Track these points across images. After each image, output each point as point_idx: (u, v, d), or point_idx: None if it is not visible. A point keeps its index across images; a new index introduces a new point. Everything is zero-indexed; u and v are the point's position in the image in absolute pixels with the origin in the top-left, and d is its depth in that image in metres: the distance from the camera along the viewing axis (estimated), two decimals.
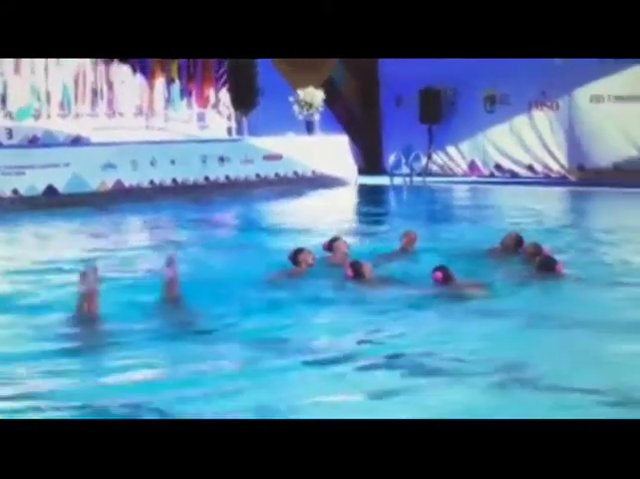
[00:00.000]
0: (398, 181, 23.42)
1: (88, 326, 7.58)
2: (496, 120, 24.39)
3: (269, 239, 13.60)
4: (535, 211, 17.01)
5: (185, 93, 23.75)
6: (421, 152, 24.53)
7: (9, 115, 20.47)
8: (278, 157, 22.49)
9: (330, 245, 10.03)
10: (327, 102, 23.73)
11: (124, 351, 6.67)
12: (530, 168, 23.94)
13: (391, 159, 24.32)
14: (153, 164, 20.23)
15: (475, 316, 7.62)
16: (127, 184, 19.75)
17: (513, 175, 24.10)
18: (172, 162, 20.54)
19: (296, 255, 9.44)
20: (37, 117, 20.86)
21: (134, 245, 13.25)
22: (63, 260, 11.33)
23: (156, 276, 9.36)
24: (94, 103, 21.91)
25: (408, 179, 23.55)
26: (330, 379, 5.99)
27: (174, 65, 23.29)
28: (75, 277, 7.94)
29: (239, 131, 23.70)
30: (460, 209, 19.12)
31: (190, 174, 20.85)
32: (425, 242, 11.03)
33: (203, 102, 24.08)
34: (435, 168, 25.60)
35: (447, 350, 6.57)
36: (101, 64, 21.90)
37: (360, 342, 7.03)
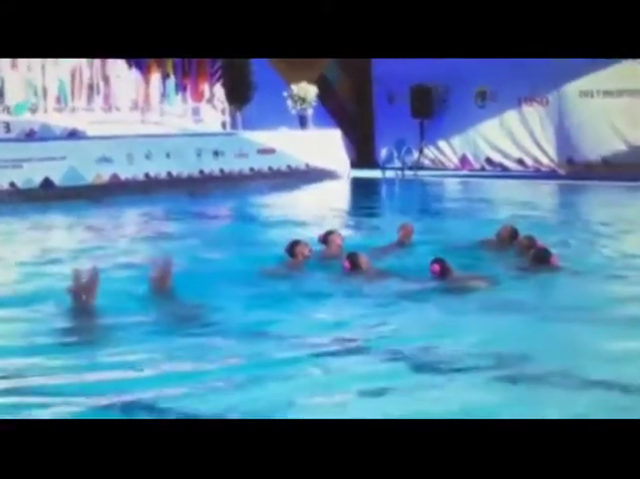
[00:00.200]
0: (390, 174, 23.41)
1: (84, 320, 7.50)
2: (487, 115, 24.41)
3: (263, 231, 13.54)
4: (526, 203, 16.98)
5: (180, 88, 23.72)
6: (413, 146, 24.55)
7: (7, 109, 20.41)
8: (272, 151, 22.48)
9: (325, 238, 9.96)
10: (320, 97, 23.72)
11: (119, 345, 6.54)
12: (521, 161, 23.96)
13: (383, 153, 24.34)
14: (148, 157, 20.19)
15: (473, 309, 7.51)
16: (122, 177, 19.71)
17: (504, 168, 24.12)
18: (168, 155, 20.51)
19: (293, 248, 9.34)
20: (34, 111, 20.84)
21: (129, 238, 13.19)
22: (59, 252, 11.28)
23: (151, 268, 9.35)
24: (90, 97, 21.89)
25: (400, 172, 23.54)
26: (328, 373, 5.87)
27: (170, 60, 23.25)
28: (70, 269, 7.88)
29: (234, 125, 23.68)
30: (451, 202, 19.05)
31: (185, 167, 20.80)
32: (418, 235, 10.95)
33: (198, 96, 24.06)
34: (426, 162, 25.63)
35: (445, 344, 6.45)
36: (97, 60, 21.84)
37: (357, 336, 6.86)
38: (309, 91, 23.09)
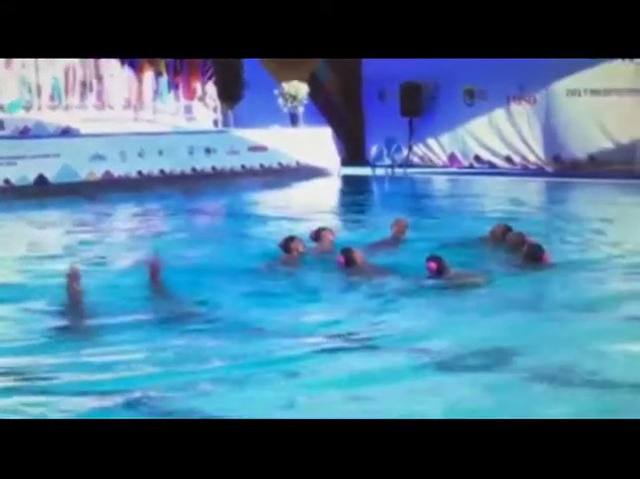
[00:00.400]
0: (380, 171, 23.39)
1: (77, 316, 7.45)
2: (476, 113, 24.39)
3: (255, 227, 13.52)
4: (513, 200, 17.00)
5: (173, 86, 23.72)
6: (402, 144, 24.55)
7: (1, 108, 20.34)
8: (263, 148, 22.44)
9: (317, 235, 9.91)
10: (311, 95, 23.69)
11: (111, 342, 6.46)
12: (509, 159, 23.96)
13: (373, 150, 24.33)
14: (141, 155, 20.14)
15: (469, 306, 7.47)
16: (115, 174, 19.65)
17: (492, 166, 24.10)
18: (160, 153, 20.46)
19: (287, 243, 9.29)
20: (28, 109, 20.82)
21: (122, 234, 13.17)
22: (53, 248, 11.25)
23: (143, 265, 9.30)
24: (83, 95, 21.89)
25: (389, 170, 23.52)
26: (323, 370, 5.82)
27: (162, 59, 23.21)
28: (64, 265, 7.84)
29: (225, 123, 23.66)
30: (440, 198, 19.10)
31: (178, 164, 20.76)
32: (410, 232, 10.91)
33: (190, 95, 24.05)
34: (415, 159, 25.61)
35: (441, 340, 6.41)
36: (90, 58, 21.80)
37: (352, 332, 6.80)
38: (300, 89, 23.06)
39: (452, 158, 25.18)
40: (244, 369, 5.78)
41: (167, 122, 23.10)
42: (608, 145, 21.91)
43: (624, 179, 19.83)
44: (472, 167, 24.53)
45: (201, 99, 24.18)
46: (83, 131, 20.66)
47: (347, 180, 22.66)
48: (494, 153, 24.21)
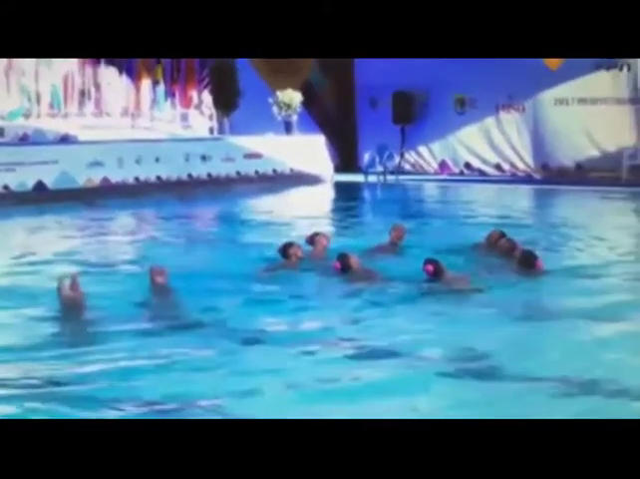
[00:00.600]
0: (372, 178, 23.40)
1: (75, 321, 7.46)
2: (466, 121, 24.43)
3: (250, 233, 13.56)
4: (503, 207, 17.05)
5: (170, 94, 23.74)
6: (394, 151, 24.56)
7: (1, 116, 20.36)
8: (258, 155, 22.45)
9: (312, 239, 9.93)
10: (305, 104, 23.70)
11: (109, 345, 6.49)
12: (498, 167, 24.01)
13: (365, 157, 24.37)
14: (138, 161, 20.13)
15: (465, 310, 7.49)
16: (113, 180, 19.64)
17: (482, 173, 24.14)
18: (157, 159, 20.45)
19: (286, 249, 9.31)
20: (27, 116, 20.82)
21: (119, 240, 13.18)
22: (51, 253, 11.25)
23: (139, 269, 9.32)
24: (82, 103, 21.89)
25: (382, 177, 23.55)
26: (319, 373, 5.82)
27: (159, 67, 23.26)
28: (61, 269, 7.85)
29: (221, 130, 23.67)
30: (431, 205, 19.13)
31: (174, 171, 20.76)
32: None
33: (187, 103, 24.08)
34: (407, 166, 25.63)
35: (437, 343, 6.44)
36: (88, 67, 21.85)
37: (349, 336, 6.80)
38: (294, 98, 23.08)
39: (442, 165, 25.22)
40: (242, 375, 5.80)
41: (164, 129, 23.11)
42: (595, 153, 21.98)
43: (611, 186, 19.91)
44: (462, 174, 24.57)
45: (197, 107, 24.21)
46: (81, 138, 20.63)
47: (340, 186, 22.68)
48: (484, 160, 24.26)
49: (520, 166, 23.62)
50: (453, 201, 19.52)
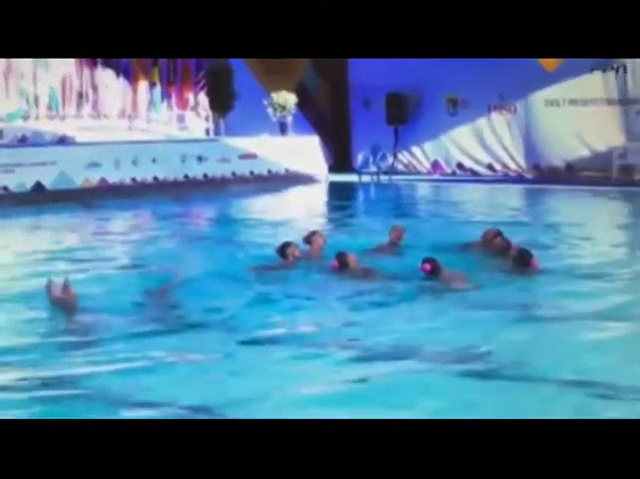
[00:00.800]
0: (366, 178, 23.43)
1: (72, 322, 7.43)
2: (458, 122, 24.45)
3: (245, 233, 13.56)
4: (496, 206, 17.06)
5: (166, 96, 23.71)
6: (387, 151, 24.54)
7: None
8: (253, 156, 22.46)
9: (308, 239, 9.94)
10: (299, 105, 23.72)
11: (106, 345, 6.44)
12: (490, 167, 24.04)
13: (359, 158, 24.38)
14: (135, 162, 20.13)
15: (461, 308, 7.47)
16: (110, 181, 19.65)
17: (474, 173, 24.16)
18: (154, 161, 20.46)
19: (284, 249, 9.31)
20: (26, 118, 20.79)
21: (117, 240, 13.17)
22: (50, 253, 11.24)
23: (137, 269, 9.32)
24: (79, 105, 21.86)
25: (375, 177, 23.57)
26: (317, 372, 5.83)
27: (156, 69, 23.25)
28: (61, 267, 7.83)
29: (217, 132, 23.64)
30: (425, 205, 19.12)
31: (171, 172, 20.77)
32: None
33: (183, 104, 24.05)
34: (400, 166, 25.65)
35: (435, 342, 6.42)
36: (86, 69, 21.83)
37: (346, 335, 6.81)
38: (288, 99, 23.10)
39: (435, 165, 25.24)
40: (241, 374, 5.78)
41: (161, 131, 23.09)
42: (585, 153, 22.01)
43: (601, 185, 19.94)
44: (454, 174, 24.60)
45: (194, 109, 24.18)
46: (79, 139, 20.62)
47: (334, 186, 22.70)
48: (476, 160, 24.28)
49: (512, 166, 23.65)
50: (445, 200, 19.53)
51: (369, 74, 24.45)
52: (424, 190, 22.22)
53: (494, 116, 23.82)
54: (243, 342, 6.54)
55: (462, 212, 16.39)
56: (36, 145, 19.67)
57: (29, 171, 18.24)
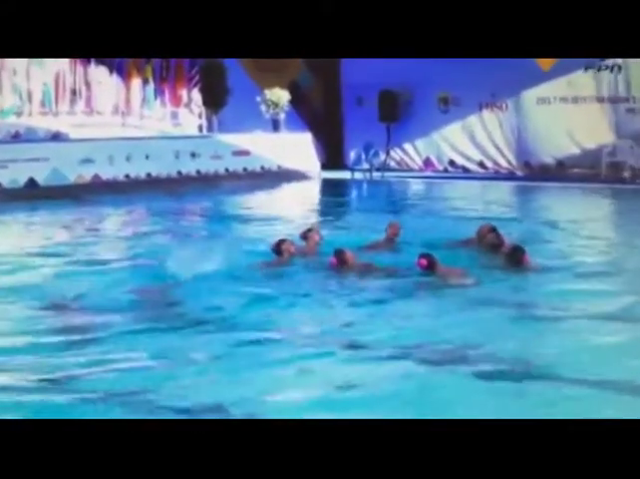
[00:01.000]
0: (358, 175, 23.42)
1: (67, 317, 7.37)
2: (450, 119, 24.44)
3: (237, 229, 13.51)
4: (486, 203, 17.04)
5: (159, 93, 23.63)
6: (380, 149, 24.54)
7: None
8: (246, 153, 22.44)
9: (304, 235, 9.88)
10: (292, 102, 23.67)
11: (101, 344, 6.37)
12: (481, 164, 24.04)
13: (352, 155, 24.39)
14: (128, 159, 20.09)
15: (457, 304, 7.45)
16: (104, 177, 19.59)
17: (466, 170, 24.17)
18: (147, 157, 20.42)
19: (279, 246, 9.25)
20: (19, 114, 20.68)
21: (110, 235, 13.11)
22: (42, 249, 11.19)
23: (131, 265, 9.24)
24: (73, 102, 21.76)
25: (367, 173, 23.55)
26: (318, 371, 5.75)
27: (149, 66, 23.16)
28: (54, 263, 7.77)
29: (210, 128, 23.59)
30: (417, 201, 19.12)
31: (164, 168, 20.73)
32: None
33: (176, 101, 23.98)
34: (393, 163, 25.63)
35: (431, 338, 6.38)
36: (79, 66, 21.75)
37: (346, 331, 6.76)
38: (281, 96, 23.05)
39: (427, 162, 25.23)
40: (239, 370, 5.72)
41: (154, 127, 23.03)
42: (576, 150, 22.05)
43: (590, 182, 19.97)
44: (446, 171, 24.59)
45: (187, 105, 24.11)
46: (72, 136, 20.58)
47: (327, 183, 22.68)
48: (468, 158, 24.28)
49: (503, 163, 23.66)
50: (437, 197, 19.55)
51: (362, 72, 24.39)
52: (416, 186, 22.19)
53: (486, 113, 23.81)
54: (240, 341, 6.46)
55: (453, 208, 16.36)
56: (29, 141, 19.63)
57: (22, 167, 18.16)
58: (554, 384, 5.36)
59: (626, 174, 20.81)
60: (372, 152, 23.86)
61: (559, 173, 22.00)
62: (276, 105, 23.00)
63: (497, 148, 23.71)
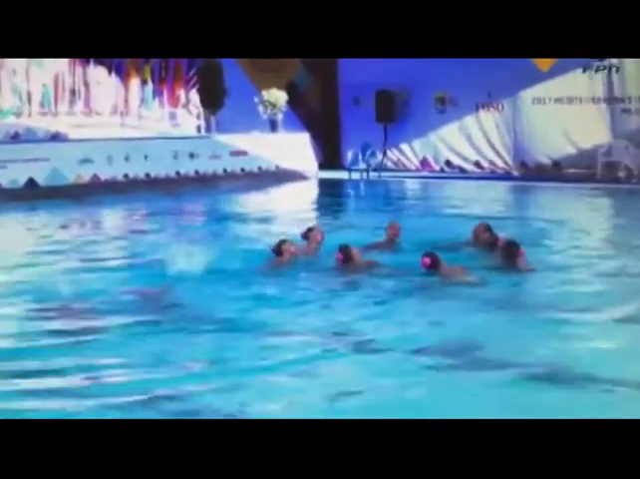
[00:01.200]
0: (355, 175, 23.40)
1: (67, 317, 7.34)
2: (446, 120, 24.43)
3: (237, 229, 13.48)
4: (483, 203, 17.02)
5: (158, 93, 23.62)
6: (377, 149, 24.55)
7: None
8: (244, 153, 22.42)
9: (306, 235, 9.85)
10: (290, 102, 23.64)
11: (98, 346, 6.34)
12: (478, 164, 24.03)
13: (349, 155, 24.35)
14: (127, 159, 20.07)
15: (460, 303, 7.43)
16: (102, 177, 19.57)
17: (462, 170, 24.15)
18: (146, 157, 20.41)
19: (279, 246, 9.22)
20: (18, 115, 20.68)
21: (109, 235, 13.09)
22: (42, 248, 11.17)
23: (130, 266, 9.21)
24: (72, 102, 21.75)
25: (364, 174, 23.54)
26: (317, 370, 5.73)
27: (148, 67, 23.15)
28: (54, 262, 7.75)
29: (208, 129, 23.58)
30: (413, 201, 19.12)
31: (162, 168, 20.71)
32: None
33: (175, 102, 23.96)
34: (389, 163, 25.61)
35: (434, 336, 6.38)
36: (78, 66, 21.73)
37: (349, 330, 6.73)
38: (279, 97, 23.03)
39: (424, 162, 25.21)
40: (241, 371, 5.69)
41: (153, 128, 23.02)
42: (571, 150, 22.03)
43: (586, 182, 19.97)
44: (443, 171, 24.58)
45: (185, 106, 24.10)
46: (71, 136, 20.60)
47: (324, 183, 22.66)
48: (464, 158, 24.27)
49: (499, 163, 23.65)
50: (434, 197, 19.52)
51: (359, 72, 24.38)
52: (413, 186, 22.18)
53: (482, 114, 23.80)
54: (240, 341, 6.42)
55: (449, 208, 16.33)
56: (29, 141, 19.63)
57: (22, 167, 18.15)
58: (559, 386, 5.35)
59: (621, 174, 20.81)
60: (369, 152, 23.86)
61: (555, 173, 21.99)
62: (274, 105, 22.99)
63: (494, 148, 23.70)
